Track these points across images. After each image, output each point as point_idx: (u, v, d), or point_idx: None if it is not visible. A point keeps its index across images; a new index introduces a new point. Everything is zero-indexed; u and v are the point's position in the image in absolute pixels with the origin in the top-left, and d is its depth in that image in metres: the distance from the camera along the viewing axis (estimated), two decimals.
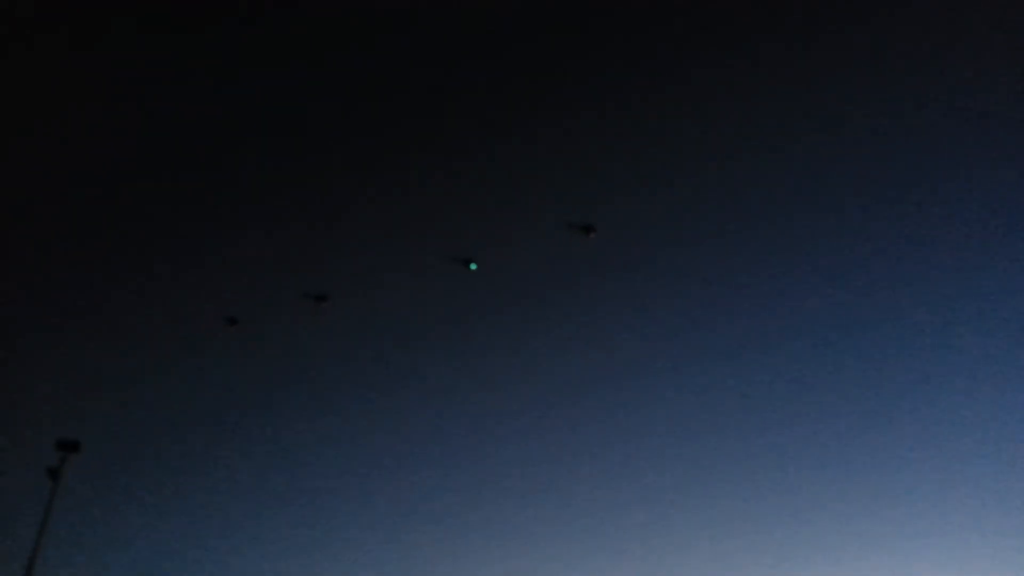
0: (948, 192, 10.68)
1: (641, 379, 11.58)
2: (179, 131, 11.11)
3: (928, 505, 11.07)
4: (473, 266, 11.29)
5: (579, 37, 10.69)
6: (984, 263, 10.74)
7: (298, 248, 11.51)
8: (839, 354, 11.32)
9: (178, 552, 11.58)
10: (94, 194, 11.27)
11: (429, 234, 11.35)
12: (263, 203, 11.38)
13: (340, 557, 11.69)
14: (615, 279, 11.35)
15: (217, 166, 11.29)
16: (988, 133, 10.47)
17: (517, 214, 11.22)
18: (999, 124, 10.43)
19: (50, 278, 11.32)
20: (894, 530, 11.13)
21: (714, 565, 11.30)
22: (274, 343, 11.64)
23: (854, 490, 11.28)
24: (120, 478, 11.57)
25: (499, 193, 11.20)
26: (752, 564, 11.22)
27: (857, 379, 11.31)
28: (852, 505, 11.27)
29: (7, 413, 11.17)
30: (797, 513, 11.20)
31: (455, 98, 10.97)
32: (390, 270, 11.42)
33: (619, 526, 11.51)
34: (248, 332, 11.59)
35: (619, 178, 10.99)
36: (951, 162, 10.64)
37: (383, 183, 11.28)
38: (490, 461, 11.74)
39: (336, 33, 10.90)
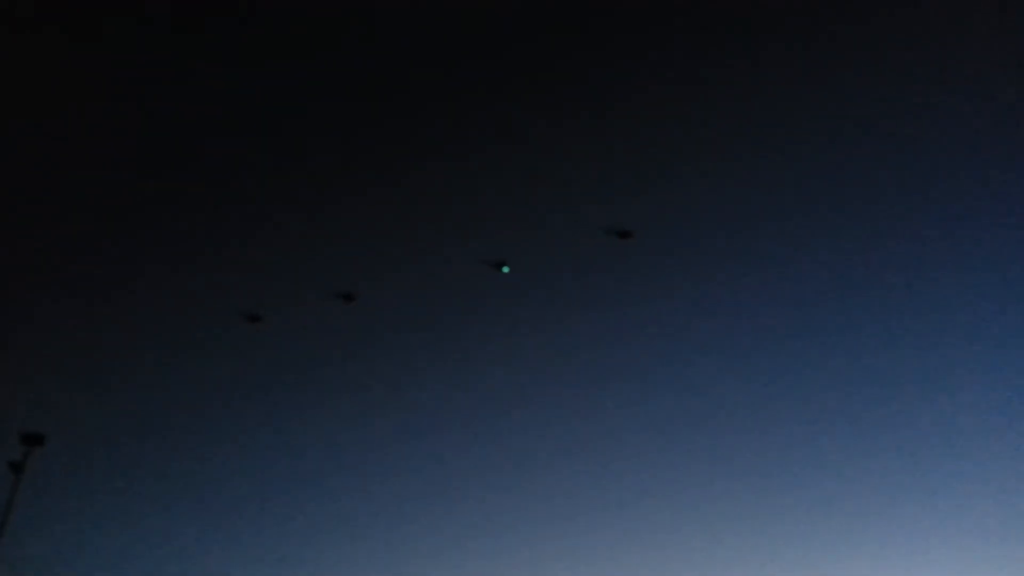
0: (954, 191, 10.50)
1: (651, 379, 11.38)
2: (203, 124, 11.06)
3: (927, 505, 10.97)
4: (506, 269, 10.91)
5: (624, 41, 10.67)
6: (985, 263, 10.64)
7: (326, 247, 11.33)
8: (840, 353, 11.36)
9: (147, 551, 11.07)
10: (94, 191, 11.22)
11: (462, 235, 11.13)
12: (294, 201, 11.25)
13: (323, 557, 11.15)
14: (651, 284, 11.05)
15: (246, 161, 11.22)
16: (991, 133, 10.35)
17: (553, 217, 11.02)
18: (1002, 125, 10.31)
19: (42, 270, 11.17)
20: (893, 530, 11.16)
21: (713, 564, 10.80)
22: (273, 340, 11.37)
23: (854, 490, 11.11)
24: (87, 474, 11.14)
25: (535, 196, 11.00)
26: (751, 563, 10.73)
27: (858, 379, 11.27)
28: (851, 505, 11.12)
29: None
30: (796, 512, 11.01)
31: (492, 98, 10.95)
32: (421, 271, 11.19)
33: (622, 526, 11.16)
34: (241, 329, 11.32)
35: (660, 183, 10.84)
36: (959, 161, 10.48)
37: (417, 183, 11.23)
38: (510, 463, 11.37)
39: (369, 28, 10.90)
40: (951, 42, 10.19)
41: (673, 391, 11.29)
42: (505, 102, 10.92)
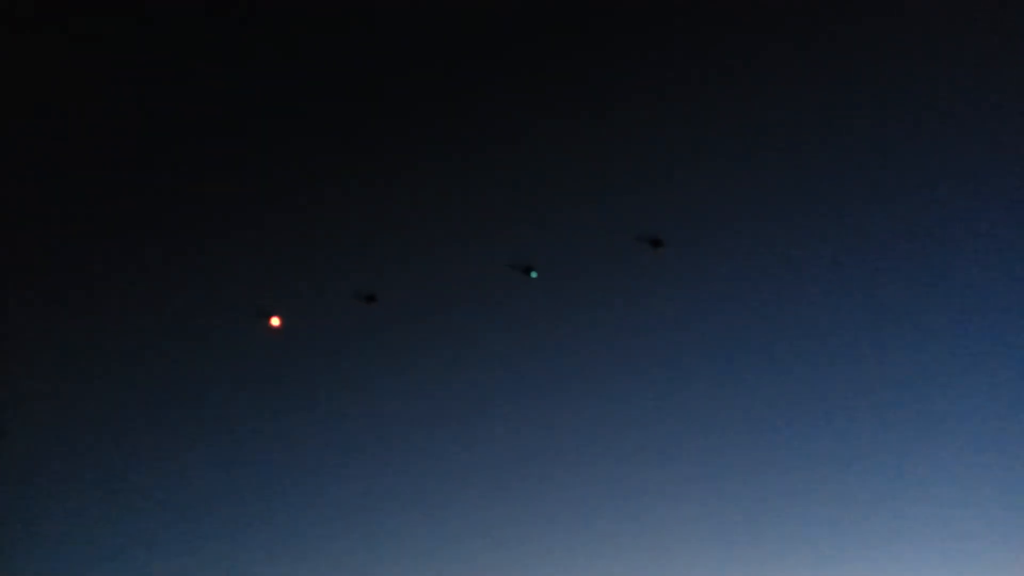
0: (955, 192, 10.54)
1: (650, 378, 11.37)
2: (215, 123, 11.04)
3: (928, 507, 10.84)
4: (534, 274, 10.87)
5: (662, 48, 10.64)
6: (987, 264, 10.63)
7: (348, 247, 11.23)
8: (840, 353, 11.06)
9: (115, 552, 11.03)
10: (93, 190, 11.22)
11: (490, 239, 11.05)
12: (317, 200, 11.22)
13: (327, 564, 11.16)
14: (681, 293, 11.08)
15: (261, 160, 11.22)
16: (994, 135, 10.40)
17: (583, 223, 10.91)
18: (1004, 126, 10.36)
19: (36, 269, 11.16)
20: (894, 532, 10.84)
21: (712, 565, 10.88)
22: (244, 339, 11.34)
23: (854, 491, 11.02)
24: (50, 470, 11.06)
25: (567, 201, 10.93)
26: (750, 564, 10.81)
27: (859, 379, 11.07)
28: (852, 506, 10.99)
29: None
30: (795, 513, 11.26)
31: (523, 100, 10.90)
32: (447, 274, 11.13)
33: (622, 526, 11.17)
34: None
35: (692, 192, 10.79)
36: (960, 162, 10.52)
37: (445, 185, 11.05)
38: (530, 467, 11.47)
39: (401, 24, 10.80)
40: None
41: (696, 396, 11.29)
42: (538, 104, 10.89)
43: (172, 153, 10.98)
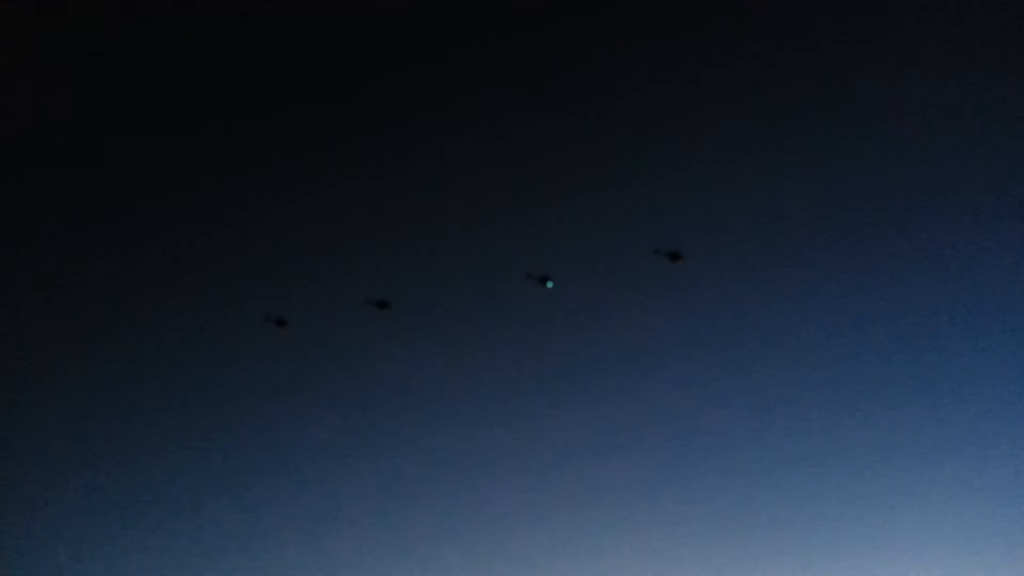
0: (956, 194, 10.48)
1: (644, 376, 11.34)
2: (230, 126, 10.98)
3: (927, 507, 10.82)
4: (550, 284, 10.95)
5: (683, 66, 10.56)
6: (987, 265, 10.57)
7: (363, 253, 11.20)
8: (841, 353, 11.04)
9: (115, 552, 11.07)
10: (100, 193, 11.20)
11: (507, 249, 11.08)
12: (329, 205, 11.12)
13: (312, 562, 11.15)
14: (699, 308, 11.10)
15: (273, 161, 11.12)
16: (995, 138, 10.35)
17: (601, 236, 10.96)
18: (1005, 131, 10.31)
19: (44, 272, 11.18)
20: (893, 532, 10.81)
21: (711, 565, 10.83)
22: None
23: (853, 491, 10.99)
24: (50, 469, 11.13)
25: (585, 213, 10.92)
26: (749, 564, 10.76)
27: (859, 379, 11.04)
28: (851, 506, 10.96)
29: None
30: (796, 514, 10.96)
31: (545, 111, 10.82)
32: (462, 282, 11.10)
33: (633, 527, 11.19)
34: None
35: (711, 207, 10.70)
36: (961, 165, 10.46)
37: (462, 194, 11.06)
38: (537, 474, 11.43)
39: (402, 23, 10.73)
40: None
41: (707, 402, 11.29)
42: (558, 115, 10.82)
43: (172, 153, 10.98)
